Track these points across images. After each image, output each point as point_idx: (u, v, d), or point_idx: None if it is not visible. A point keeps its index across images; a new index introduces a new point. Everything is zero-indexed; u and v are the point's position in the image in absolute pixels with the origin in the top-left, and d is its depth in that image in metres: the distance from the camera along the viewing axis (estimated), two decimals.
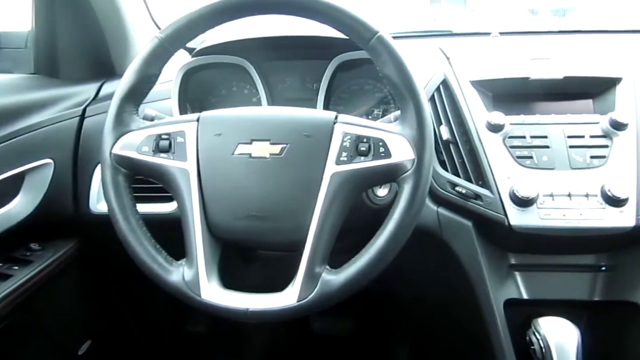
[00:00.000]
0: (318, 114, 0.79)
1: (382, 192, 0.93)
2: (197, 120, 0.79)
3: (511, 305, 0.91)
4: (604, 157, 0.90)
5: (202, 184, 0.77)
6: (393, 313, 1.49)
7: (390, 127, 0.76)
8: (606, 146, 0.91)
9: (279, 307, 0.73)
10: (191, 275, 0.75)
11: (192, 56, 1.09)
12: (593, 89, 0.99)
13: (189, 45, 1.00)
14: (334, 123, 0.76)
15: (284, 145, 0.76)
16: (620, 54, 1.03)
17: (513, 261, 0.95)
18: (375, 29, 0.75)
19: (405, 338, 1.51)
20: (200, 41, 1.10)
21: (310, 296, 0.72)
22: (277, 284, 0.76)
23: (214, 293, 0.75)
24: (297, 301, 0.73)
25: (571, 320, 0.88)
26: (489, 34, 1.38)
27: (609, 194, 0.86)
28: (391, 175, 0.74)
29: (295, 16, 0.78)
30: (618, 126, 0.92)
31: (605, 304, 0.92)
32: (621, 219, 0.86)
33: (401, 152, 0.74)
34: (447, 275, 0.99)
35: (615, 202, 0.86)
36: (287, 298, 0.73)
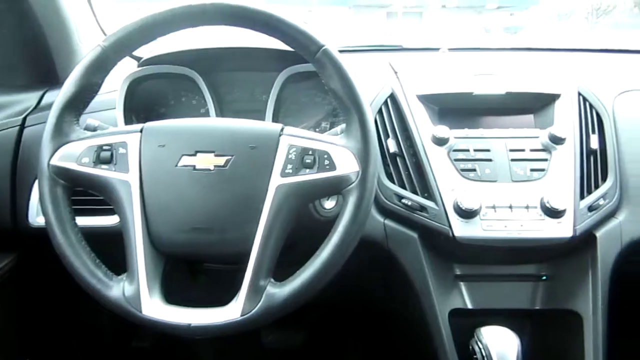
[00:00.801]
0: (264, 125, 0.79)
1: (329, 204, 0.93)
2: (141, 131, 0.78)
3: (456, 315, 0.93)
4: (543, 170, 0.93)
5: (144, 196, 0.76)
6: (344, 324, 1.49)
7: (335, 139, 0.76)
8: (545, 159, 0.94)
9: (222, 321, 0.72)
10: (132, 290, 0.73)
11: (139, 65, 1.07)
12: (534, 105, 1.03)
13: (136, 53, 0.99)
14: (280, 135, 0.76)
15: (229, 157, 0.75)
16: (559, 71, 1.07)
17: (458, 272, 0.97)
18: (321, 42, 0.75)
19: (357, 349, 1.51)
20: (149, 50, 1.08)
21: (254, 310, 0.72)
22: (224, 298, 0.75)
23: (156, 308, 0.73)
24: (241, 315, 0.72)
25: (514, 329, 0.90)
26: (438, 49, 1.41)
27: (547, 205, 0.89)
28: (336, 187, 0.75)
29: (241, 28, 0.78)
30: (556, 140, 0.95)
31: (546, 313, 0.95)
32: (559, 229, 0.89)
33: (346, 164, 0.74)
34: (393, 286, 1.00)
35: (554, 213, 0.89)
36: (231, 312, 0.72)
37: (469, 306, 0.95)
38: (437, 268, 0.94)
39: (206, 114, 1.10)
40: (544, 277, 0.96)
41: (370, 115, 0.76)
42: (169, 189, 0.75)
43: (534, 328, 0.97)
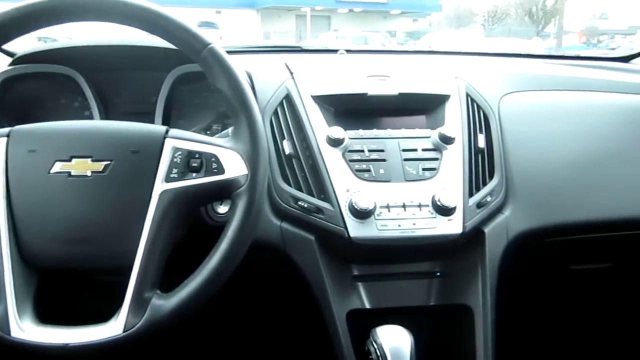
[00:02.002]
0: (147, 128, 0.74)
1: (222, 208, 0.90)
2: (8, 135, 0.71)
3: (354, 316, 0.93)
4: (434, 169, 0.95)
5: (12, 206, 0.69)
6: (242, 327, 1.45)
7: (223, 142, 0.73)
8: (437, 159, 0.97)
9: (102, 339, 0.67)
10: None
11: (11, 64, 0.98)
12: (425, 106, 1.05)
13: (6, 48, 0.90)
14: (164, 138, 0.72)
15: (108, 162, 0.70)
16: (450, 73, 1.11)
17: (356, 272, 0.97)
18: (206, 41, 0.72)
19: (254, 352, 1.48)
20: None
21: (138, 324, 0.67)
22: (108, 314, 0.70)
23: (27, 329, 0.67)
24: (124, 331, 0.67)
25: (411, 326, 0.92)
26: (336, 51, 1.42)
27: (438, 203, 0.91)
28: (225, 191, 0.72)
29: (121, 24, 0.73)
30: (446, 140, 0.98)
31: (441, 308, 0.97)
32: (450, 226, 0.91)
33: (234, 167, 0.72)
34: (291, 289, 0.99)
35: (445, 211, 0.91)
36: (113, 328, 0.67)
37: (367, 306, 0.95)
38: (334, 269, 0.94)
39: (90, 118, 1.03)
40: (438, 274, 0.99)
41: (259, 117, 0.74)
42: (41, 197, 0.69)
43: (430, 324, 0.99)
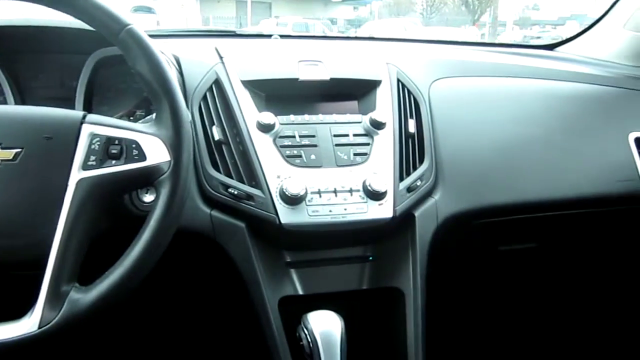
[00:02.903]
0: (61, 113, 0.70)
1: (148, 197, 0.87)
2: None
3: (287, 302, 0.92)
4: (365, 154, 0.96)
5: None
6: (171, 319, 1.42)
7: (144, 127, 0.71)
8: (368, 144, 0.97)
9: (15, 337, 0.63)
10: None
11: None
12: (357, 91, 1.05)
13: None
14: (81, 123, 0.68)
15: (19, 150, 0.66)
16: (381, 59, 1.11)
17: (288, 259, 0.96)
18: (125, 21, 0.69)
19: (184, 343, 1.46)
20: None
21: (54, 320, 0.64)
22: (24, 310, 0.66)
23: None
24: (39, 327, 0.64)
25: (344, 311, 0.92)
26: (270, 36, 1.40)
27: (369, 188, 0.91)
28: (147, 179, 0.70)
29: (34, 3, 0.69)
30: (377, 125, 0.98)
31: (373, 292, 0.98)
32: (381, 211, 0.92)
33: (156, 154, 0.69)
34: (223, 278, 0.97)
35: (375, 195, 0.91)
36: (26, 325, 0.64)
37: (300, 292, 0.95)
38: (266, 257, 0.93)
39: (4, 103, 0.97)
40: (371, 258, 0.99)
41: (182, 101, 0.71)
42: None
43: (363, 307, 1.00)
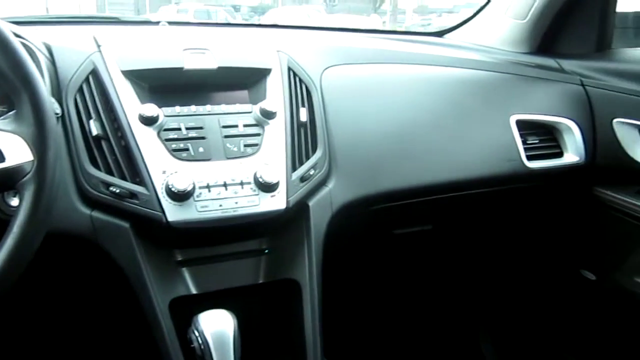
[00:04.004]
0: None
1: (15, 201, 0.79)
2: None
3: (179, 304, 0.88)
4: (256, 145, 0.93)
5: None
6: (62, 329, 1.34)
7: (1, 124, 0.64)
8: (259, 134, 0.94)
9: None
10: None
11: None
12: (247, 80, 1.02)
13: None
14: None
15: None
16: (271, 47, 1.08)
17: (179, 257, 0.92)
18: None
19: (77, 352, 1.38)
20: None
21: None
22: None
23: None
24: None
25: (240, 307, 0.90)
26: (158, 23, 1.33)
27: (260, 180, 0.89)
28: (6, 181, 0.63)
29: None
30: (268, 115, 0.95)
31: (270, 285, 0.96)
32: (273, 202, 0.90)
33: (17, 153, 0.63)
34: (108, 283, 0.91)
35: (267, 187, 0.89)
36: None
37: (193, 292, 0.91)
38: (154, 257, 0.88)
39: None
40: (267, 251, 0.97)
41: (45, 94, 0.65)
42: None
43: (260, 302, 0.98)
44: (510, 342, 1.67)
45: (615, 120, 1.26)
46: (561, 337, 1.56)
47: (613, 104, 1.27)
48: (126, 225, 0.86)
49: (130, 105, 0.89)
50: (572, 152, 1.28)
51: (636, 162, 1.24)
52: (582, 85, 1.32)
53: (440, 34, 1.65)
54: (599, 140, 1.29)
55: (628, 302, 1.28)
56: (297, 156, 0.96)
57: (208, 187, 0.87)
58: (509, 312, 1.67)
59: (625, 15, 1.42)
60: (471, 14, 1.62)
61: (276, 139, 0.95)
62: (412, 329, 1.57)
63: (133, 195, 0.84)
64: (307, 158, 0.98)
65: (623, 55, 1.37)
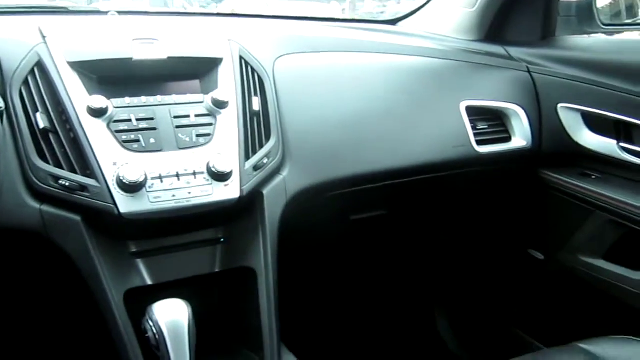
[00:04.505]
0: None
1: None
2: None
3: (134, 295, 0.88)
4: (209, 135, 0.93)
5: None
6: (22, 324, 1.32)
7: None
8: (211, 124, 0.95)
9: None
10: None
11: None
12: (197, 70, 1.02)
13: None
14: None
15: None
16: (223, 36, 1.08)
17: (134, 249, 0.92)
18: None
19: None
20: None
21: None
22: None
23: None
24: None
25: (196, 296, 0.91)
26: (107, 12, 1.31)
27: (213, 170, 0.89)
28: None
29: None
30: (220, 104, 0.96)
31: (226, 274, 0.97)
32: (227, 192, 0.91)
33: None
34: (62, 278, 0.91)
35: (220, 176, 0.90)
36: None
37: (149, 282, 0.91)
38: (108, 249, 0.88)
39: None
40: (222, 240, 0.98)
41: None
42: None
43: (216, 290, 0.99)
44: (464, 318, 1.72)
45: (559, 106, 1.31)
46: (511, 313, 1.63)
47: (557, 90, 1.32)
48: (77, 218, 0.85)
49: (78, 97, 0.88)
50: (520, 137, 1.32)
51: (579, 145, 1.29)
52: (529, 72, 1.36)
53: (393, 22, 1.67)
54: (544, 124, 1.34)
55: (573, 280, 1.34)
56: (251, 145, 0.97)
57: (160, 177, 0.87)
58: (463, 290, 1.72)
59: (568, 4, 1.46)
60: (423, 2, 1.64)
61: (229, 128, 0.95)
62: (370, 311, 1.60)
63: (83, 188, 0.84)
64: (261, 147, 0.99)
65: (567, 43, 1.42)
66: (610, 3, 1.71)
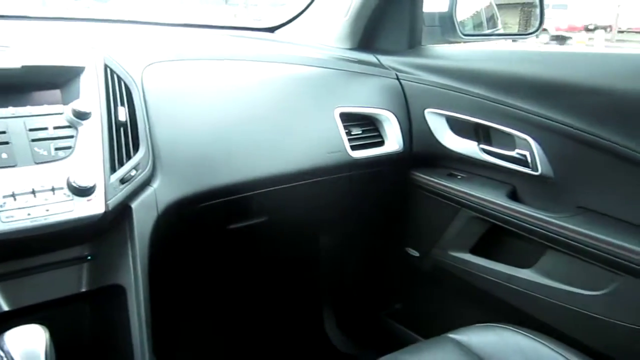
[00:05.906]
0: None
1: None
2: None
3: None
4: (70, 147, 0.89)
5: None
6: None
7: None
8: (72, 136, 0.90)
9: None
10: None
11: None
12: (58, 79, 0.96)
13: None
14: None
15: None
16: (86, 42, 1.03)
17: None
18: None
19: None
20: None
21: None
22: None
23: None
24: None
25: (61, 319, 0.86)
26: None
27: (74, 184, 0.85)
28: None
29: None
30: (81, 115, 0.91)
31: (94, 293, 0.93)
32: (90, 207, 0.87)
33: None
34: None
35: (82, 191, 0.86)
36: None
37: (5, 308, 0.85)
38: None
39: None
40: (89, 257, 0.94)
41: None
42: None
43: (84, 311, 0.94)
44: (349, 316, 1.77)
45: (426, 111, 1.39)
46: (393, 309, 1.70)
47: (424, 96, 1.40)
48: None
49: None
50: (392, 141, 1.39)
51: (446, 148, 1.38)
52: (398, 79, 1.44)
53: (272, 29, 1.69)
54: (414, 129, 1.42)
55: (445, 274, 1.42)
56: (117, 157, 0.93)
57: (13, 195, 0.81)
58: (348, 289, 1.77)
59: (432, 15, 1.55)
60: (300, 10, 1.67)
61: (92, 140, 0.91)
62: (257, 319, 1.60)
63: None
64: (129, 158, 0.95)
65: (431, 52, 1.52)
66: (473, 15, 1.85)
